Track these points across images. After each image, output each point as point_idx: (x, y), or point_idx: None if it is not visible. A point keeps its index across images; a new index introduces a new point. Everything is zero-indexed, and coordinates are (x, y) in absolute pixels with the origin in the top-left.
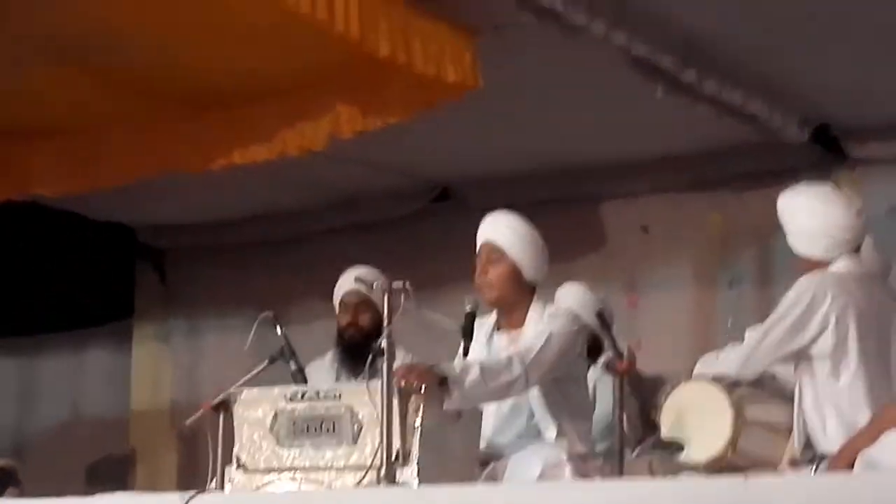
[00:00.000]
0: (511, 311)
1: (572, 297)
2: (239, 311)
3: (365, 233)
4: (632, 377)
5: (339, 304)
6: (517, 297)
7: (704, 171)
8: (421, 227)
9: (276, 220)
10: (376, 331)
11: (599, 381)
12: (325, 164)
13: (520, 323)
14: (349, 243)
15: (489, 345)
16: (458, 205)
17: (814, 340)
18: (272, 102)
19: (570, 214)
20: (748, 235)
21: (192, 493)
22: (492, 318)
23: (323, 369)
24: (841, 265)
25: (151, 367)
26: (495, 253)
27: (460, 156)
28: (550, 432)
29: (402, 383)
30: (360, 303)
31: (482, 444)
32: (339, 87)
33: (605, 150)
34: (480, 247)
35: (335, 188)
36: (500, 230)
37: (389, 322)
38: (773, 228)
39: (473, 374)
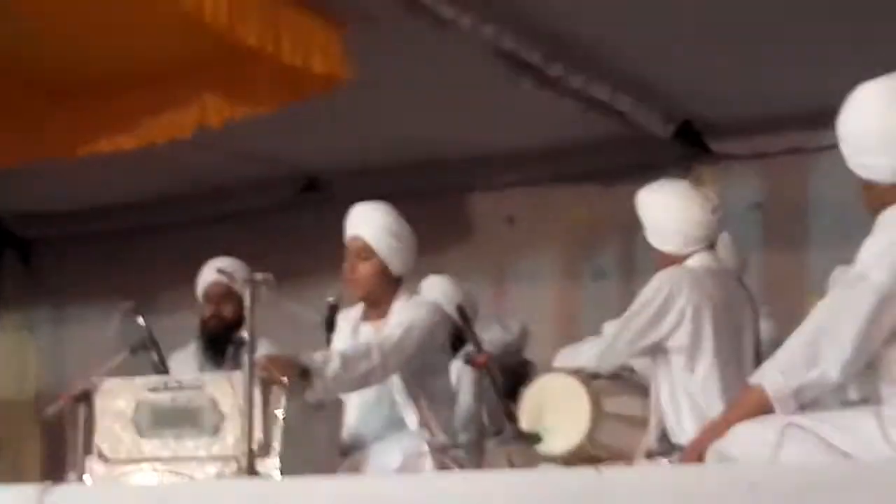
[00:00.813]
0: (377, 304)
1: (437, 290)
2: (104, 301)
3: (232, 223)
4: (491, 370)
5: (203, 295)
6: (384, 291)
7: (571, 165)
8: (288, 218)
9: (143, 209)
10: (239, 322)
11: (463, 374)
12: (193, 153)
13: (385, 314)
14: (216, 234)
15: (355, 336)
16: (326, 196)
17: (670, 334)
18: (140, 90)
19: (438, 206)
20: (613, 229)
21: (47, 483)
22: (357, 308)
23: (186, 360)
24: (696, 260)
25: (15, 355)
26: (364, 251)
27: (328, 146)
28: (413, 421)
29: (264, 374)
30: (223, 294)
31: (345, 434)
32: (207, 76)
33: (472, 142)
34: (349, 241)
35: (203, 177)
36: (370, 226)
37: (251, 313)
38: (638, 223)
39: (334, 363)
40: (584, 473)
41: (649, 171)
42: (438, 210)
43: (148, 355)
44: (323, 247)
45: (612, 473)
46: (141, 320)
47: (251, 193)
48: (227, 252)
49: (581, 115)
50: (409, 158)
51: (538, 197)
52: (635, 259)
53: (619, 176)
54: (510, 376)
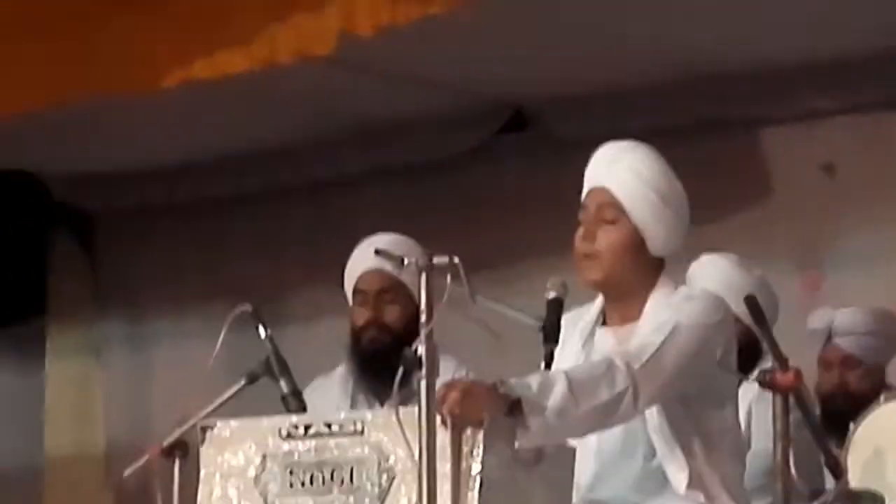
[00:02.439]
0: (625, 298)
1: (715, 275)
2: (204, 304)
3: (395, 182)
4: (801, 396)
5: (354, 292)
6: (636, 275)
7: None
8: (478, 172)
9: (259, 165)
10: (411, 332)
11: (757, 404)
12: (335, 79)
13: (636, 313)
14: (371, 198)
15: (588, 348)
16: (538, 135)
17: None
18: None
19: (712, 148)
20: None
21: None
22: (594, 308)
23: (331, 392)
24: None
25: (75, 390)
26: (610, 211)
27: (540, 64)
28: (680, 480)
29: (451, 411)
30: (385, 290)
31: (575, 500)
32: None
33: (764, 50)
34: (587, 198)
35: (349, 115)
36: (621, 174)
37: (430, 318)
38: None
39: (558, 391)
40: None
41: None
42: (713, 155)
43: (274, 384)
44: (535, 211)
45: None
46: (263, 332)
47: (424, 136)
48: (386, 225)
49: None
50: (665, 77)
51: (872, 130)
52: None
53: None
54: (834, 406)
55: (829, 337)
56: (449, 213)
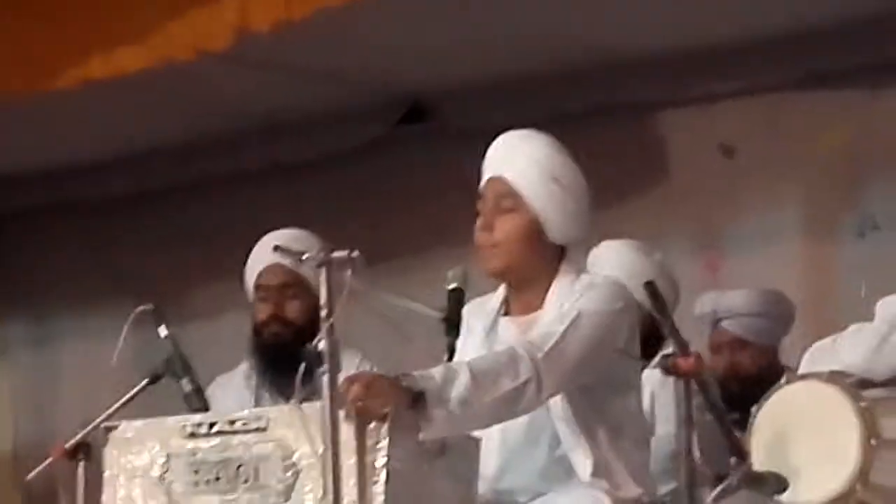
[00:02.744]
0: (527, 287)
1: (615, 261)
2: (108, 303)
3: (294, 176)
4: (703, 380)
5: (255, 287)
6: (537, 264)
7: (822, 59)
8: (379, 164)
9: (159, 163)
10: (312, 327)
11: (660, 389)
12: (232, 75)
13: (539, 302)
14: (272, 193)
15: (491, 338)
16: (436, 126)
17: None
18: None
19: (611, 132)
20: (889, 156)
21: None
22: (497, 297)
23: (234, 389)
24: None
25: None
26: (507, 198)
27: (438, 55)
28: (585, 468)
29: (356, 404)
30: (286, 285)
31: (481, 490)
32: None
33: (663, 34)
34: (485, 186)
35: (248, 111)
36: (518, 161)
37: (331, 312)
38: None
39: (461, 382)
40: None
41: None
42: (611, 139)
43: (178, 384)
44: (437, 202)
45: None
46: (165, 331)
47: (321, 129)
48: (289, 219)
49: None
50: (562, 63)
51: (770, 112)
52: None
53: (889, 71)
54: (727, 389)
55: (716, 321)
56: (350, 207)
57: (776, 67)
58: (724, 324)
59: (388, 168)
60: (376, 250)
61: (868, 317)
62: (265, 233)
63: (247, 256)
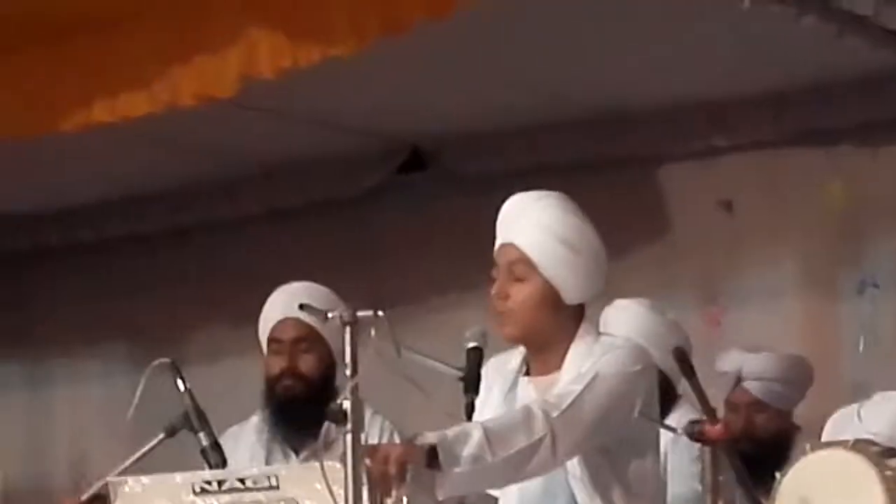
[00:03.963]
0: (545, 349)
1: (629, 321)
2: (102, 345)
3: (294, 223)
4: (729, 448)
5: (269, 341)
6: (554, 328)
7: (823, 115)
8: (378, 212)
9: (156, 206)
10: (324, 381)
11: (671, 447)
12: (236, 120)
13: (558, 365)
14: (270, 239)
15: (510, 399)
16: (437, 174)
17: None
18: (151, 28)
19: (611, 186)
20: (887, 212)
21: None
22: (517, 356)
23: (245, 441)
24: None
25: None
26: (519, 266)
27: (439, 104)
28: None
29: (375, 467)
30: (300, 339)
31: None
32: (254, 3)
33: (664, 89)
34: (497, 253)
35: (248, 156)
36: (527, 228)
37: (354, 371)
38: None
39: (474, 439)
40: None
41: None
42: (612, 192)
43: (192, 437)
44: (436, 249)
45: None
46: (182, 385)
47: (321, 175)
48: (287, 266)
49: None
50: (564, 115)
51: (770, 165)
52: None
53: (888, 129)
54: (749, 449)
55: (737, 380)
56: (349, 254)
57: (777, 123)
58: (747, 385)
59: (387, 216)
60: (375, 299)
61: (866, 374)
62: (263, 279)
63: (243, 301)
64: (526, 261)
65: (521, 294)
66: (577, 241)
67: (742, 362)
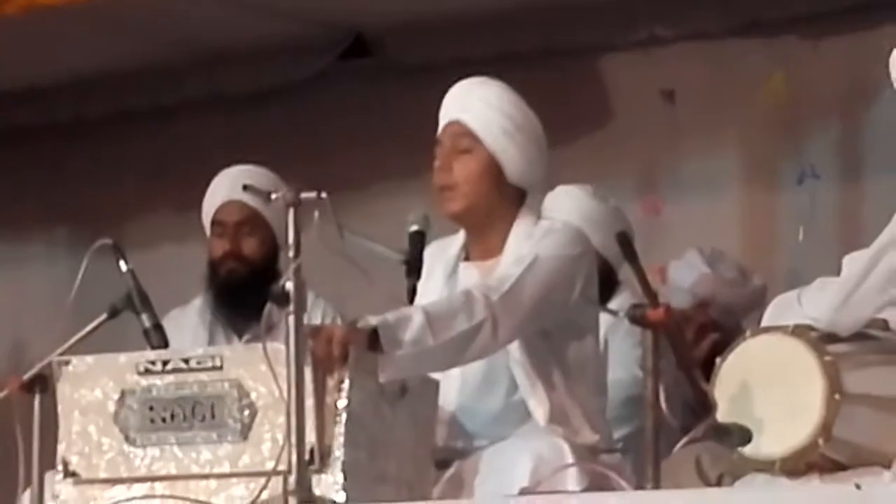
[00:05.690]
0: (486, 231)
1: (570, 206)
2: (44, 229)
3: (238, 108)
4: (672, 331)
5: (212, 223)
6: (495, 206)
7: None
8: (321, 98)
9: (99, 90)
10: (268, 264)
11: (611, 333)
12: (176, 4)
13: (498, 249)
14: (214, 125)
15: (451, 283)
16: (380, 62)
17: None
18: None
19: (553, 77)
20: (829, 103)
21: None
22: (457, 242)
23: (188, 323)
24: None
25: None
26: (464, 139)
27: None
28: (541, 414)
29: (316, 348)
30: (244, 222)
31: (441, 434)
32: None
33: None
34: (442, 132)
35: (192, 42)
36: (475, 105)
37: (297, 253)
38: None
39: (416, 323)
40: (837, 491)
41: None
42: (553, 81)
43: (135, 318)
44: (378, 137)
45: (876, 490)
46: (124, 266)
47: (267, 62)
48: (229, 152)
49: None
50: (506, 4)
51: (712, 56)
52: (861, 150)
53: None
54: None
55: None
56: (292, 140)
57: (721, 14)
58: (711, 312)
59: (331, 103)
60: (318, 184)
61: (804, 263)
62: (205, 164)
63: (187, 187)
64: (471, 134)
65: (465, 167)
66: (521, 119)
67: (714, 291)
